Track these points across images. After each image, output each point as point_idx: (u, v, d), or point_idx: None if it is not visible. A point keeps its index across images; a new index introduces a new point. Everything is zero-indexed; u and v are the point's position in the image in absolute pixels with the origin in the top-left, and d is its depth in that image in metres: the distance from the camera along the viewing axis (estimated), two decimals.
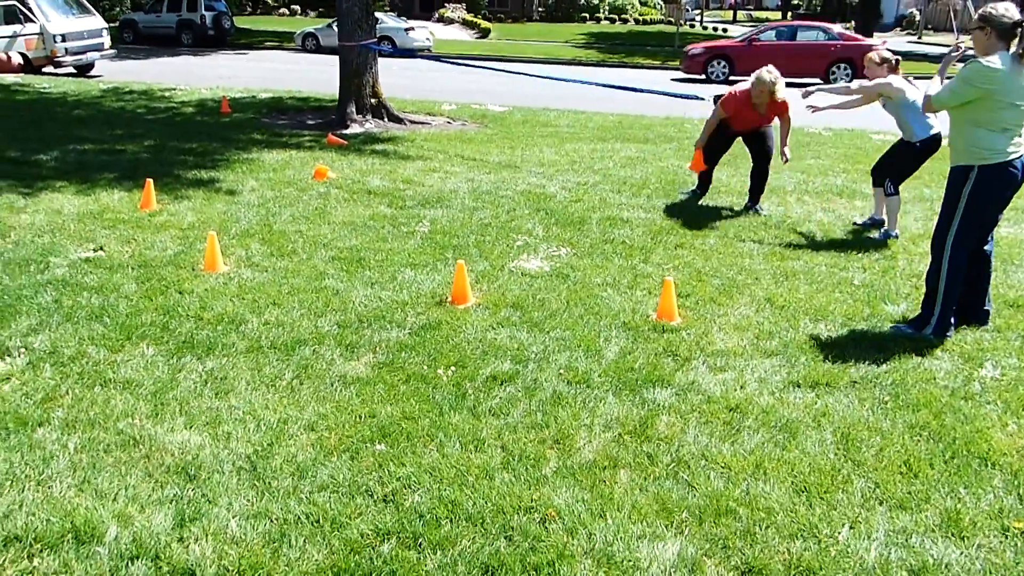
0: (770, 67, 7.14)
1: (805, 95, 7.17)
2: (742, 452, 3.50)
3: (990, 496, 3.24)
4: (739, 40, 22.97)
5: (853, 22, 39.83)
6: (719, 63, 21.73)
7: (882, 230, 6.84)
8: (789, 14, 71.62)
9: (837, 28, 23.79)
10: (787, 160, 7.34)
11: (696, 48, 22.67)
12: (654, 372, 4.22)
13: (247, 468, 3.27)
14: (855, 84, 7.04)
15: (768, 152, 7.49)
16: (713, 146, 7.65)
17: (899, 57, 6.78)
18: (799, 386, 4.13)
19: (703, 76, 21.81)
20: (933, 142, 6.55)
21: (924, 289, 4.85)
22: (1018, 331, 4.89)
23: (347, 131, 11.42)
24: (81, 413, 3.64)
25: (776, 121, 7.41)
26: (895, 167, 6.76)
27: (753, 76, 7.11)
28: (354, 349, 4.39)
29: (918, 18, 50.34)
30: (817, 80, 19.31)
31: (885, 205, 6.85)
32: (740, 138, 7.66)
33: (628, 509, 3.09)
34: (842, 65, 20.64)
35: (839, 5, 51.13)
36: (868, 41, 21.91)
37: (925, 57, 31.34)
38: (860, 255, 6.28)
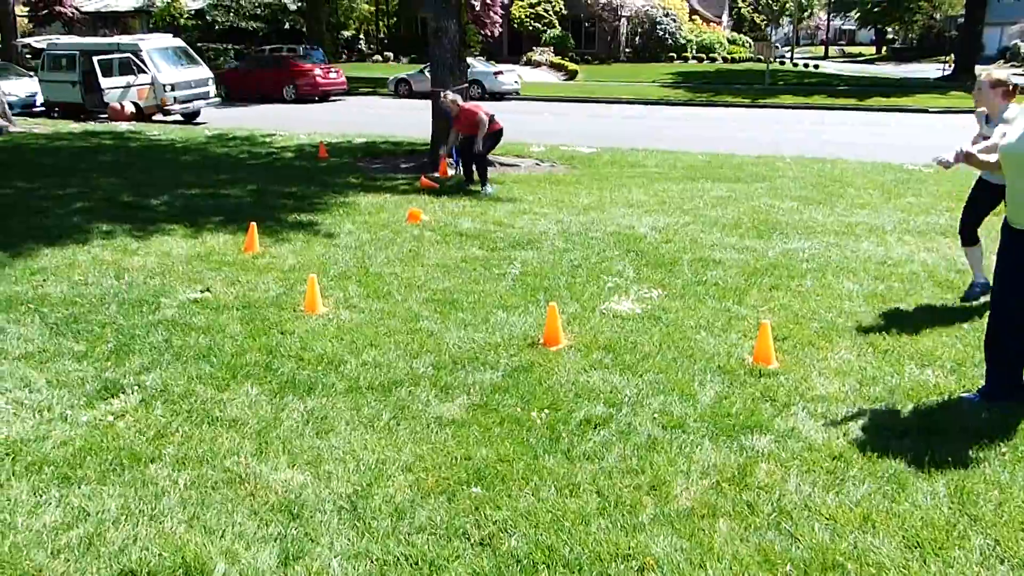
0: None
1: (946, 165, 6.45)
2: (848, 503, 3.38)
3: None
4: (231, 68, 30.11)
5: (952, 55, 38.61)
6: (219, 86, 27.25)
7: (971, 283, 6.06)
8: (884, 48, 69.97)
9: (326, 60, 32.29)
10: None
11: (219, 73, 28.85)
12: (751, 417, 4.12)
13: (348, 508, 3.33)
14: (991, 154, 6.21)
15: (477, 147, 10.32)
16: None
17: (1018, 83, 5.73)
18: (907, 434, 3.96)
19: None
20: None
21: None
22: None
23: (439, 174, 11.66)
24: (190, 450, 3.79)
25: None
26: (974, 211, 6.02)
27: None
28: (449, 390, 4.45)
29: (1023, 49, 48.42)
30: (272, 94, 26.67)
31: (968, 255, 6.13)
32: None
33: (728, 560, 3.01)
34: (290, 86, 27.05)
35: (938, 39, 49.73)
36: (307, 67, 27.58)
37: None
38: None
